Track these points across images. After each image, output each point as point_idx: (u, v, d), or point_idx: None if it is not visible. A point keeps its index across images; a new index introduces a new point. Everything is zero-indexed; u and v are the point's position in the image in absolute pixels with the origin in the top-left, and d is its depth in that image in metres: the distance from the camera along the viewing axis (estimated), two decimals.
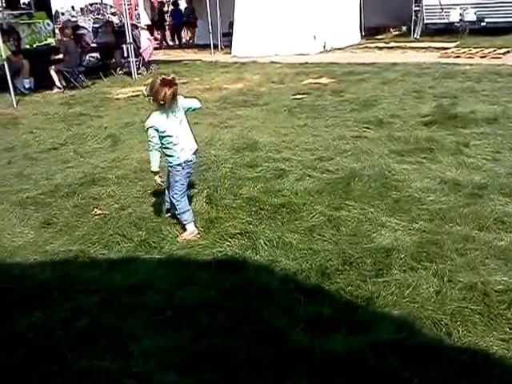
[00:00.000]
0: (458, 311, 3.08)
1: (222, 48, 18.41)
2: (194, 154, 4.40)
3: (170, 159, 4.32)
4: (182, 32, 23.26)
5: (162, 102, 4.12)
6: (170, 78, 4.13)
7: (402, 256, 3.70)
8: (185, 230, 4.37)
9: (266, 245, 4.03)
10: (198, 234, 4.33)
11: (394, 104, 8.57)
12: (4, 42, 11.06)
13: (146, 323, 3.17)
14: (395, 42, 18.36)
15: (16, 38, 12.78)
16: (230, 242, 4.13)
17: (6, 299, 3.49)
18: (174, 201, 4.37)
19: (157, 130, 4.17)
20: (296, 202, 4.70)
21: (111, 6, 26.11)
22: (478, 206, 4.45)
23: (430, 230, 4.09)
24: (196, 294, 3.41)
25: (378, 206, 4.59)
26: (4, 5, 15.72)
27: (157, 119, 4.18)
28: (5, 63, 10.38)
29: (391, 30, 21.32)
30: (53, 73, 12.12)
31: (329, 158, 5.94)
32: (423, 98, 8.93)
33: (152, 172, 4.39)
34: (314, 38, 16.49)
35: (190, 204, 4.49)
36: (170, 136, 4.19)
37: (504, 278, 3.38)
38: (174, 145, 4.23)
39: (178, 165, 4.30)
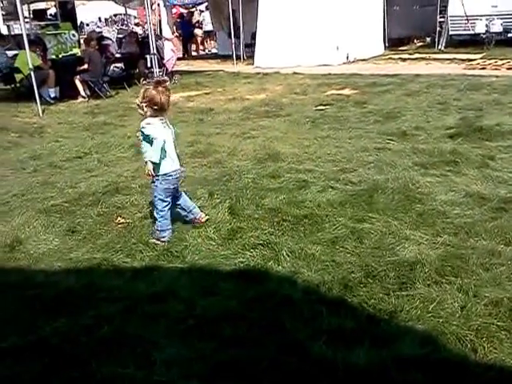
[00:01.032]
0: (483, 327, 3.03)
1: (244, 59, 18.51)
2: (175, 172, 4.39)
3: (152, 168, 4.33)
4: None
5: (156, 107, 4.14)
6: (163, 82, 4.18)
7: (426, 270, 3.66)
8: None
9: (288, 256, 4.01)
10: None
11: (417, 116, 8.52)
12: (33, 51, 11.28)
13: (169, 332, 3.18)
14: (419, 53, 18.29)
15: (42, 49, 12.99)
16: (252, 252, 4.11)
17: (31, 305, 3.52)
18: (157, 216, 4.41)
19: (147, 135, 4.22)
20: (318, 214, 4.69)
21: (135, 17, 26.44)
22: (504, 221, 4.38)
23: (454, 244, 4.04)
24: (218, 304, 3.42)
25: (401, 218, 4.55)
26: (32, 16, 16.01)
27: (150, 125, 4.20)
28: (31, 73, 10.56)
29: (415, 41, 21.23)
30: (78, 82, 12.31)
31: (352, 170, 5.93)
32: (448, 110, 8.87)
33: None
34: (337, 48, 16.49)
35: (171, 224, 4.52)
36: (161, 142, 4.23)
37: None
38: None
39: (157, 175, 4.32)
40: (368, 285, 3.57)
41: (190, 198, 4.79)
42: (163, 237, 4.42)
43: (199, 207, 5.00)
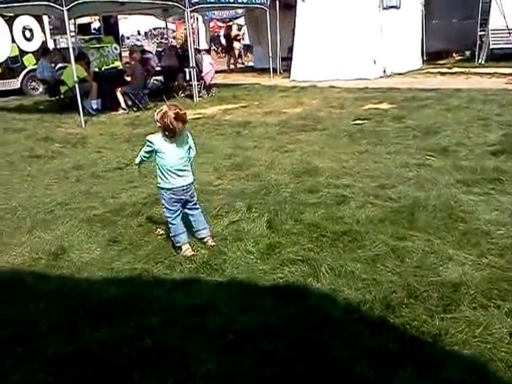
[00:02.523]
0: None
1: (280, 72, 18.55)
2: (185, 188, 4.46)
3: (158, 179, 4.50)
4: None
5: (167, 133, 4.28)
6: (183, 113, 4.24)
7: (472, 292, 3.55)
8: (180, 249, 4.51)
9: (327, 273, 3.96)
10: (193, 251, 4.48)
11: (458, 132, 8.38)
12: (79, 64, 11.57)
13: (208, 346, 3.16)
14: (458, 67, 18.04)
15: (86, 62, 13.28)
16: (290, 268, 4.08)
17: (73, 313, 3.58)
18: (168, 223, 4.55)
19: (151, 145, 4.40)
20: (358, 230, 4.63)
21: (173, 31, 26.80)
22: None
23: (500, 266, 3.92)
24: (257, 320, 3.39)
25: (444, 237, 4.46)
26: (77, 30, 16.45)
27: (156, 137, 4.39)
28: (76, 85, 10.80)
29: (454, 54, 20.94)
30: (119, 95, 12.53)
31: (391, 186, 5.85)
32: (489, 125, 8.70)
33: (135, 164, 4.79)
34: (374, 62, 16.43)
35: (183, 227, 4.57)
36: (162, 158, 4.37)
37: None
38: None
39: (162, 188, 4.46)
40: (410, 305, 3.49)
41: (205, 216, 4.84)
42: (178, 242, 4.50)
43: (237, 221, 5.06)
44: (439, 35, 19.03)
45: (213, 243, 4.62)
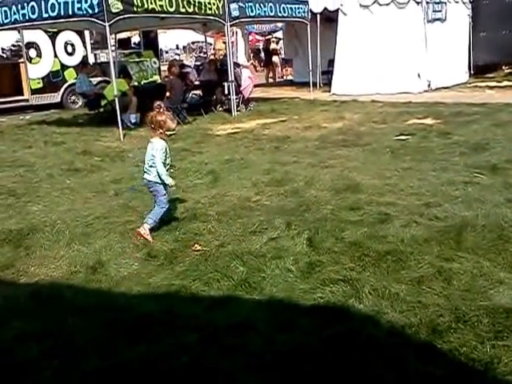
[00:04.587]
0: None
1: (320, 86, 18.45)
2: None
3: (158, 176, 5.22)
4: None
5: (167, 133, 5.21)
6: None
7: None
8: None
9: (370, 294, 3.83)
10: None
11: (508, 148, 8.08)
12: (122, 78, 11.73)
13: (247, 366, 3.08)
14: (508, 80, 17.61)
15: (127, 76, 13.47)
16: (332, 287, 3.96)
17: (111, 328, 3.55)
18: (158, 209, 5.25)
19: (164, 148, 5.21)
20: (402, 250, 4.47)
21: (211, 44, 27.02)
22: None
23: None
24: (297, 340, 3.29)
25: (494, 259, 4.26)
26: (117, 45, 16.76)
27: (160, 141, 5.22)
28: (116, 99, 10.94)
29: (503, 67, 20.48)
30: None
31: (437, 205, 5.65)
32: None
33: (171, 185, 5.33)
34: (419, 76, 16.21)
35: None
36: (166, 156, 5.24)
37: None
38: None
39: (160, 183, 5.24)
40: (459, 330, 3.32)
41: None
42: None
43: (276, 238, 5.00)
44: (487, 48, 18.68)
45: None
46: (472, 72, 19.19)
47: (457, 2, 18.04)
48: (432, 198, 5.93)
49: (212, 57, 18.76)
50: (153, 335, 3.44)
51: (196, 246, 4.93)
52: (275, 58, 25.10)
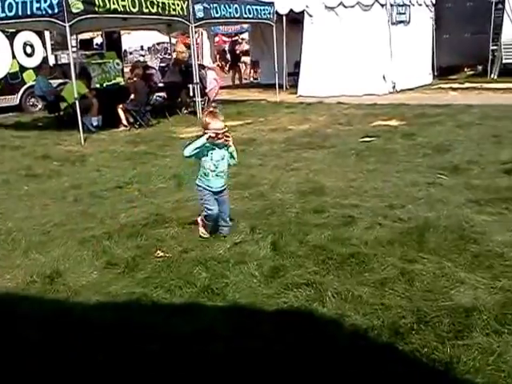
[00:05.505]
0: None
1: (287, 88, 18.47)
2: None
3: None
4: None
5: (209, 133, 4.81)
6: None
7: (484, 317, 3.39)
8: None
9: (333, 297, 3.80)
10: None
11: (470, 149, 8.23)
12: (80, 80, 11.53)
13: (208, 373, 3.04)
14: (470, 82, 17.94)
15: (87, 78, 13.25)
16: (295, 292, 3.93)
17: (69, 340, 3.45)
18: None
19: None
20: (366, 253, 4.46)
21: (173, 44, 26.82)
22: None
23: None
24: (261, 347, 3.24)
25: (455, 260, 4.28)
26: (78, 46, 16.49)
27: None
28: (76, 102, 10.75)
29: (466, 69, 20.84)
30: (120, 111, 12.46)
31: (400, 206, 5.68)
32: (503, 143, 8.56)
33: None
34: (384, 77, 16.36)
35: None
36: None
37: None
38: None
39: None
40: (420, 332, 3.32)
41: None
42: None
43: (240, 242, 4.94)
44: (450, 50, 19.04)
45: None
46: (436, 74, 19.48)
47: (420, 5, 18.27)
48: (395, 199, 5.96)
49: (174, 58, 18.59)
50: (110, 345, 3.35)
51: (158, 252, 4.84)
52: (245, 59, 25.07)
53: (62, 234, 5.44)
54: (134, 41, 33.20)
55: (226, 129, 4.77)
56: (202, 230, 5.16)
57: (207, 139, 4.72)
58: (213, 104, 4.86)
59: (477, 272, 4.07)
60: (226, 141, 4.79)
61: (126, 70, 17.48)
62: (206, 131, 4.76)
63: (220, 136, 4.75)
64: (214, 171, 4.92)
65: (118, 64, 16.63)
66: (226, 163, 4.97)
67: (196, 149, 4.78)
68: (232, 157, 4.95)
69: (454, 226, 4.91)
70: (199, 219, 5.18)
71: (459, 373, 2.93)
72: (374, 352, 3.15)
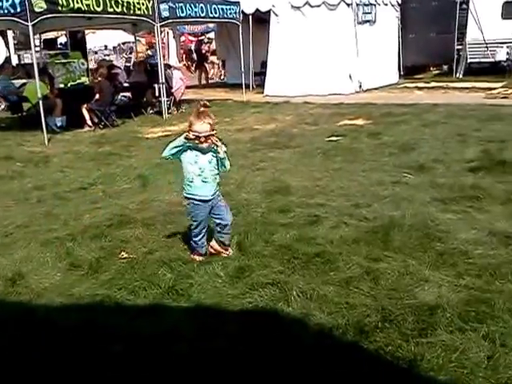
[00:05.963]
0: None
1: (253, 87, 18.47)
2: None
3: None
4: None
5: (190, 135, 4.33)
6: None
7: (448, 315, 3.43)
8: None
9: (298, 297, 3.80)
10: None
11: (435, 148, 8.32)
12: (42, 80, 11.31)
13: (172, 375, 3.03)
14: (436, 81, 18.21)
15: (49, 78, 13.02)
16: (260, 292, 3.91)
17: (31, 343, 3.40)
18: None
19: None
20: (331, 252, 4.47)
21: (145, 45, 26.64)
22: None
23: (478, 287, 3.80)
24: (224, 347, 3.23)
25: (420, 258, 4.32)
26: (42, 45, 16.19)
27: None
28: (40, 102, 10.56)
29: (431, 68, 21.13)
30: (85, 111, 12.28)
31: (366, 205, 5.71)
32: (468, 141, 8.68)
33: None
34: (350, 77, 16.48)
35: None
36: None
37: None
38: None
39: None
40: (385, 330, 3.34)
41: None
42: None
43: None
44: (416, 49, 19.28)
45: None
46: (402, 73, 19.69)
47: (386, 5, 18.45)
48: (361, 198, 5.99)
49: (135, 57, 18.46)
50: (73, 347, 3.31)
51: (122, 253, 4.78)
52: (213, 59, 24.98)
53: (25, 235, 5.35)
54: (99, 40, 32.78)
55: (213, 132, 4.25)
56: (194, 257, 4.61)
57: (185, 139, 4.29)
58: (202, 102, 4.26)
59: (441, 270, 4.12)
60: (215, 145, 4.27)
61: (92, 69, 17.26)
62: (188, 132, 4.31)
63: (202, 139, 4.25)
64: (200, 176, 4.42)
65: (82, 64, 16.42)
66: (215, 168, 4.46)
67: (174, 147, 4.37)
68: (222, 164, 4.45)
69: (419, 224, 4.95)
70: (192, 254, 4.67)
71: (423, 370, 2.95)
72: (339, 351, 3.15)
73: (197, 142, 4.27)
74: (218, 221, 4.57)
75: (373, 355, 3.11)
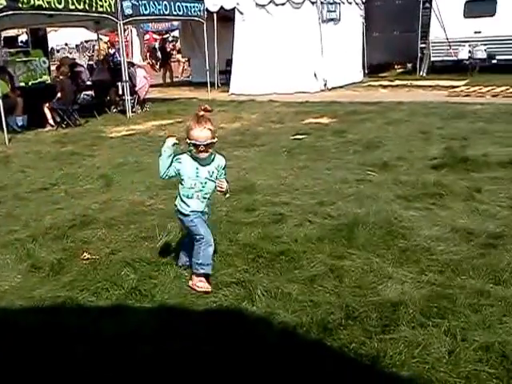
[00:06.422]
0: (473, 374, 2.84)
1: (218, 86, 18.39)
2: None
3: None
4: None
5: (188, 141, 3.85)
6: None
7: (411, 311, 3.45)
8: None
9: (263, 295, 3.79)
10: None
11: (399, 146, 8.40)
12: (1, 79, 11.07)
13: (136, 376, 2.99)
14: (400, 79, 18.45)
15: (8, 77, 12.75)
16: (225, 291, 3.90)
17: None
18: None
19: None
20: (296, 250, 4.47)
21: (107, 43, 26.32)
22: (493, 258, 4.20)
23: (440, 283, 3.84)
24: (188, 348, 3.20)
25: (383, 255, 4.35)
26: (2, 43, 15.84)
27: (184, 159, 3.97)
28: (0, 101, 10.33)
29: (396, 67, 21.36)
30: (46, 110, 12.07)
31: (330, 203, 5.72)
32: (431, 139, 8.79)
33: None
34: (315, 75, 16.55)
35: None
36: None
37: None
38: None
39: None
40: (348, 327, 3.35)
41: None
42: None
43: (169, 242, 4.84)
44: (380, 48, 19.48)
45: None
46: (366, 71, 19.87)
47: (350, 3, 18.60)
48: (326, 196, 6.00)
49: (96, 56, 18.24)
50: (34, 350, 3.25)
51: (85, 254, 4.70)
52: (179, 57, 24.81)
53: None
54: (61, 38, 32.36)
55: (215, 140, 3.77)
56: (200, 285, 3.97)
57: (173, 145, 3.80)
58: (203, 106, 3.73)
59: (404, 267, 4.15)
60: (219, 186, 3.85)
61: (54, 68, 16.99)
62: (187, 139, 3.76)
63: (202, 148, 3.74)
64: (202, 191, 3.91)
65: (44, 62, 16.08)
66: (214, 184, 3.91)
67: (167, 158, 3.85)
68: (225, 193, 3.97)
69: (383, 221, 4.98)
70: (192, 282, 4.03)
71: (385, 366, 2.96)
72: (303, 349, 3.15)
73: (195, 151, 3.77)
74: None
75: (336, 352, 3.12)
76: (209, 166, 3.87)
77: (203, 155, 3.79)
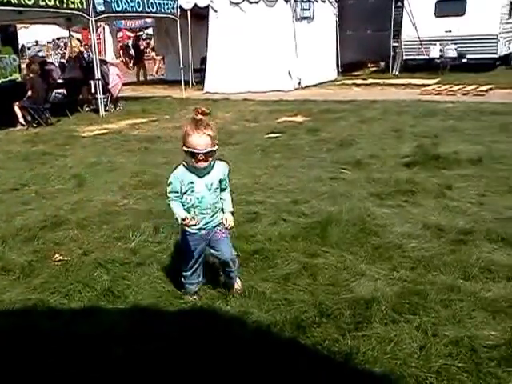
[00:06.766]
0: (444, 369, 2.88)
1: (193, 84, 18.31)
2: None
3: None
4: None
5: (185, 149, 3.48)
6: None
7: (383, 308, 3.48)
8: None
9: (237, 295, 3.79)
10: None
11: (372, 144, 8.47)
12: None
13: (108, 379, 2.97)
14: (373, 78, 18.61)
15: None
16: (199, 291, 3.87)
17: None
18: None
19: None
20: (269, 249, 4.47)
21: (79, 40, 26.03)
22: (463, 254, 4.26)
23: (412, 280, 3.88)
24: (161, 347, 3.19)
25: (356, 252, 4.38)
26: None
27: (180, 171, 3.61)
28: None
29: (369, 65, 21.51)
30: (17, 109, 11.89)
31: (304, 201, 5.74)
32: (403, 137, 8.88)
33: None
34: (289, 74, 16.59)
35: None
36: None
37: (493, 333, 3.18)
38: None
39: None
40: (322, 325, 3.37)
41: None
42: None
43: (143, 243, 4.80)
44: (354, 46, 19.63)
45: None
46: (340, 70, 19.97)
47: (323, 2, 18.68)
48: (300, 194, 6.02)
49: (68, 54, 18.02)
50: (7, 352, 3.22)
51: (56, 255, 4.64)
52: (154, 54, 24.65)
53: None
54: (32, 35, 31.87)
55: (215, 148, 3.41)
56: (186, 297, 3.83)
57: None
58: (200, 109, 3.26)
59: (377, 264, 4.19)
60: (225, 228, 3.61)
61: (24, 65, 16.75)
62: (183, 147, 3.39)
63: (200, 157, 3.36)
64: (198, 207, 3.54)
65: (14, 60, 15.84)
66: (216, 194, 3.58)
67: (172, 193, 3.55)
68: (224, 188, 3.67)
69: (356, 219, 5.00)
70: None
71: (358, 363, 2.99)
72: (277, 347, 3.15)
73: (193, 161, 3.39)
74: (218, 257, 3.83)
75: (310, 350, 3.13)
76: (207, 177, 3.50)
77: (202, 165, 3.40)
